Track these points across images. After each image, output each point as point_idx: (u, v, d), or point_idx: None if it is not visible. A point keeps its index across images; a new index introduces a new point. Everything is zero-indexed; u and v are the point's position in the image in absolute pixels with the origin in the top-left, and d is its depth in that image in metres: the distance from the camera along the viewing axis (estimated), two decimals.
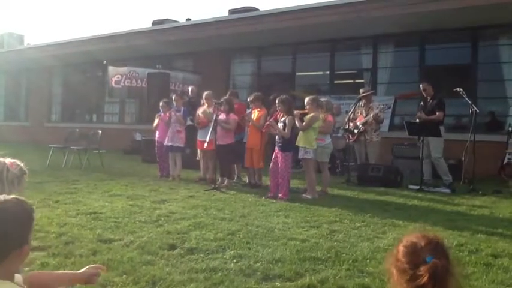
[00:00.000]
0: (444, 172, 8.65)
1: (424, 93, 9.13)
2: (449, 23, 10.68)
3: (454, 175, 8.89)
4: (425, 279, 1.40)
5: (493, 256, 4.34)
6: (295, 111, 7.61)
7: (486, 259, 4.23)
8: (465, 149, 8.37)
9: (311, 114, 7.45)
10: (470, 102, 8.46)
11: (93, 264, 2.16)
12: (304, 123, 7.45)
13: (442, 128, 8.72)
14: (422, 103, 9.29)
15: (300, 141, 7.52)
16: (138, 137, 15.07)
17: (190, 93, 11.22)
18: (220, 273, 3.76)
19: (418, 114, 9.07)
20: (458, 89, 8.61)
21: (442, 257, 1.45)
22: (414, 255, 1.47)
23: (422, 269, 1.41)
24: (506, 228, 5.44)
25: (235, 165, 9.19)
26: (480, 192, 7.86)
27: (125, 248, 4.38)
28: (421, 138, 8.71)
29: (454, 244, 4.63)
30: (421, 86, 9.16)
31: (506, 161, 9.49)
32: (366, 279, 3.69)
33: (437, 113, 8.74)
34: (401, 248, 1.52)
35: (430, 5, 9.87)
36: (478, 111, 8.49)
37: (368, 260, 4.15)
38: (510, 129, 9.66)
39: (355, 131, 9.43)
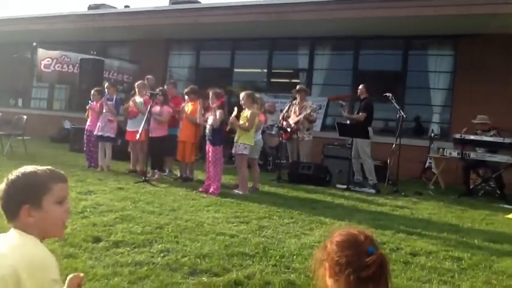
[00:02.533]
0: (369, 172, 9.03)
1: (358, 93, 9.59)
2: (383, 30, 11.12)
3: (379, 176, 9.28)
4: (373, 269, 1.40)
5: (412, 254, 4.56)
6: (231, 119, 7.59)
7: (405, 257, 4.44)
8: (391, 152, 8.75)
9: (250, 112, 7.47)
10: (398, 107, 8.86)
11: (74, 274, 1.96)
12: (248, 123, 7.44)
13: (370, 130, 9.09)
14: (341, 101, 10.09)
15: (240, 138, 7.53)
16: (67, 124, 14.46)
17: (146, 81, 9.99)
18: (146, 268, 3.69)
19: (343, 113, 9.69)
20: (387, 94, 8.99)
21: (380, 250, 1.47)
22: (356, 247, 1.45)
23: (369, 259, 1.41)
24: (424, 228, 5.74)
25: (168, 158, 9.05)
26: (403, 194, 8.24)
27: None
28: (351, 139, 9.03)
29: (377, 242, 4.81)
30: None
31: (427, 164, 10.04)
32: (292, 275, 3.77)
33: (360, 113, 9.28)
34: (338, 242, 1.49)
35: (364, 11, 10.23)
36: (405, 116, 8.90)
37: (295, 256, 4.23)
38: (433, 134, 10.23)
39: (288, 129, 9.60)
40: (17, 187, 1.64)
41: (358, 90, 9.52)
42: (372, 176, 8.95)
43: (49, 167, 1.72)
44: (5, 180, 1.67)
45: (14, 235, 1.65)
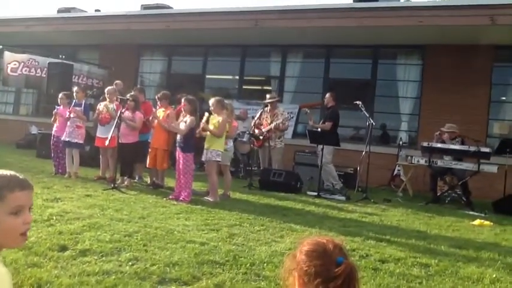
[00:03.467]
0: (333, 177, 9.21)
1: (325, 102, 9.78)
2: (353, 39, 11.30)
3: (349, 183, 9.39)
4: (341, 279, 1.40)
5: (381, 261, 4.60)
6: (202, 124, 7.54)
7: (374, 264, 4.48)
8: (360, 159, 8.86)
9: (222, 118, 7.43)
10: (367, 115, 8.99)
11: None
12: (218, 129, 7.40)
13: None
14: (307, 109, 10.20)
15: (212, 145, 7.47)
16: (34, 130, 14.12)
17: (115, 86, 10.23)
18: (113, 277, 3.61)
19: (309, 122, 9.78)
20: (357, 102, 9.12)
21: (349, 259, 1.47)
22: (326, 257, 1.45)
23: (338, 270, 1.40)
24: (393, 235, 5.81)
25: (138, 165, 8.94)
26: (372, 201, 8.34)
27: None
28: (321, 146, 9.11)
29: (347, 249, 4.85)
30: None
31: (396, 172, 10.21)
32: (262, 283, 3.75)
33: (326, 123, 9.41)
34: (307, 251, 1.49)
35: (334, 21, 10.38)
36: (374, 124, 9.04)
37: (265, 264, 4.22)
38: (401, 142, 10.42)
39: (261, 137, 9.64)
40: None
41: (325, 99, 9.66)
42: (336, 180, 9.16)
43: (11, 172, 1.57)
44: None
45: None
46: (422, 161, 8.77)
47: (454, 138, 8.98)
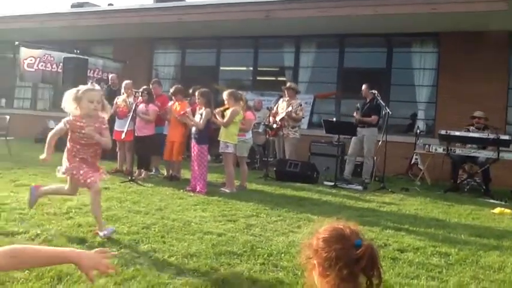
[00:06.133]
0: (367, 172, 9.14)
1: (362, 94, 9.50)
2: (368, 28, 11.15)
3: None
4: (365, 260, 1.41)
5: (399, 251, 4.57)
6: (216, 110, 7.58)
7: (393, 253, 4.45)
8: (377, 149, 8.77)
9: (231, 109, 7.45)
10: (383, 104, 8.89)
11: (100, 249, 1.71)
12: (226, 119, 7.43)
13: (375, 130, 9.17)
14: (358, 104, 9.57)
15: (222, 136, 7.52)
16: (52, 124, 14.22)
17: (110, 81, 10.96)
18: (132, 268, 3.64)
19: (355, 115, 9.39)
20: (373, 91, 9.01)
21: (367, 241, 1.47)
22: (344, 241, 1.46)
23: (359, 252, 1.41)
24: (411, 224, 5.76)
25: (154, 158, 8.97)
26: (389, 190, 8.27)
27: (29, 242, 4.12)
28: (338, 137, 9.03)
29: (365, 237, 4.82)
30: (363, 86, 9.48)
31: (413, 161, 10.10)
32: (280, 274, 3.75)
33: (372, 117, 9.14)
34: (325, 238, 1.49)
35: (346, 9, 10.23)
36: (390, 113, 8.93)
37: (283, 254, 4.21)
38: (418, 131, 10.29)
39: (274, 125, 9.62)
40: None
41: (362, 91, 9.43)
42: (368, 176, 9.04)
43: None
44: None
45: None
46: (440, 150, 8.65)
47: (483, 129, 8.81)
